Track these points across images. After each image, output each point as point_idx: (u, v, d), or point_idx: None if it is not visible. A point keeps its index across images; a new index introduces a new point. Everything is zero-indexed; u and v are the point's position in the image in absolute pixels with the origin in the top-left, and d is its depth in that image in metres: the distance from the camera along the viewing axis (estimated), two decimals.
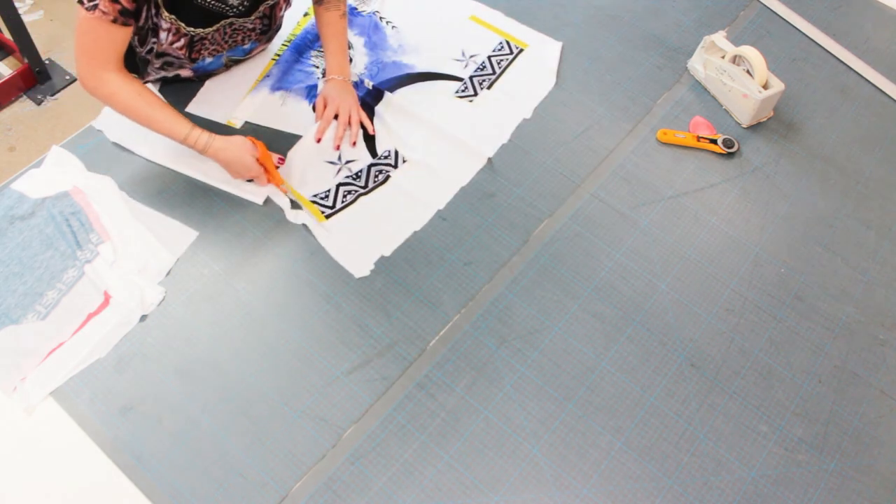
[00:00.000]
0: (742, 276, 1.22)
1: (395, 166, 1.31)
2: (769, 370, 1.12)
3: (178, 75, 1.34)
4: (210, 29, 1.22)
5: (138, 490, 0.97)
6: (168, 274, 1.15)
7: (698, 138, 1.38)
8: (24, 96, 2.49)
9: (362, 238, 1.21)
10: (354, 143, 1.33)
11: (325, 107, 1.33)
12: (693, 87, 1.48)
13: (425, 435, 1.03)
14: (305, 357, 1.09)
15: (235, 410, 1.04)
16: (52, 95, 2.50)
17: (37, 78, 2.48)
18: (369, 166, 1.30)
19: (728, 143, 1.37)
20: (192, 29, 1.19)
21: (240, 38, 1.30)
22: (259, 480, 0.98)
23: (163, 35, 1.19)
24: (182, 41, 1.22)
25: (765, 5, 1.65)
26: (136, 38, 1.20)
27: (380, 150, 1.33)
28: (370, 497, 0.98)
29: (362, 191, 1.27)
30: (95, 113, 1.34)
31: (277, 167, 1.26)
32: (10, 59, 2.55)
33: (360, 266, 1.18)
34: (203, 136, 1.19)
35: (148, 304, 1.11)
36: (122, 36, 1.12)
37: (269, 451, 1.01)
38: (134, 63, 1.27)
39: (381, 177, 1.29)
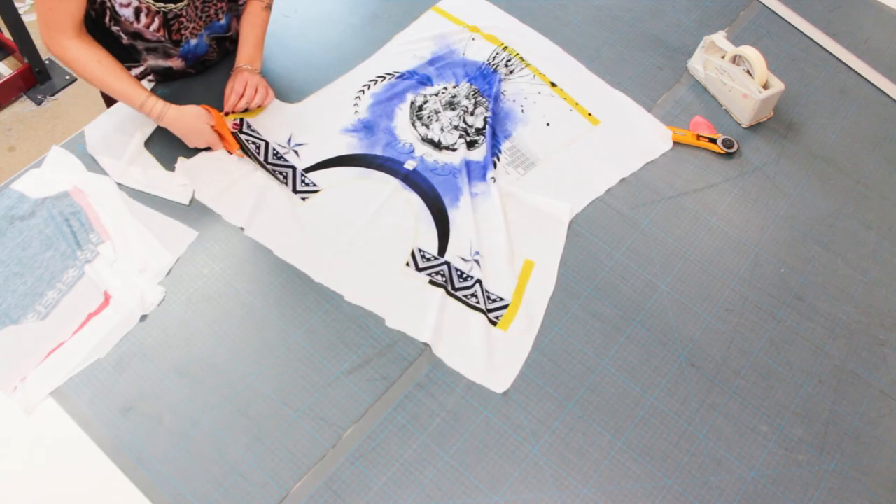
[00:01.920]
0: (742, 276, 1.22)
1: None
2: (769, 370, 1.12)
3: (171, 67, 1.34)
4: (182, 3, 1.22)
5: (138, 490, 0.97)
6: (168, 274, 1.15)
7: (698, 136, 1.38)
8: (24, 96, 2.49)
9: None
10: (248, 108, 1.31)
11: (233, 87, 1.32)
12: (693, 87, 1.48)
13: (425, 435, 1.03)
14: (305, 357, 1.09)
15: (235, 410, 1.04)
16: (52, 95, 2.50)
17: (37, 78, 2.48)
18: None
19: (728, 143, 1.37)
20: (161, 5, 1.20)
21: (212, 10, 1.29)
22: (259, 480, 0.98)
23: (125, 12, 1.19)
24: (156, 21, 1.22)
25: (765, 5, 1.65)
26: (113, 21, 1.21)
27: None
28: (370, 497, 0.98)
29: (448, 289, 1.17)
30: (96, 113, 1.34)
31: (234, 132, 1.28)
32: (10, 59, 2.55)
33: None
34: (158, 105, 1.22)
35: (148, 304, 1.11)
36: (75, 5, 1.14)
37: (269, 451, 1.01)
38: (122, 50, 1.28)
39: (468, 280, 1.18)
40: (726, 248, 1.25)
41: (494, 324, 1.13)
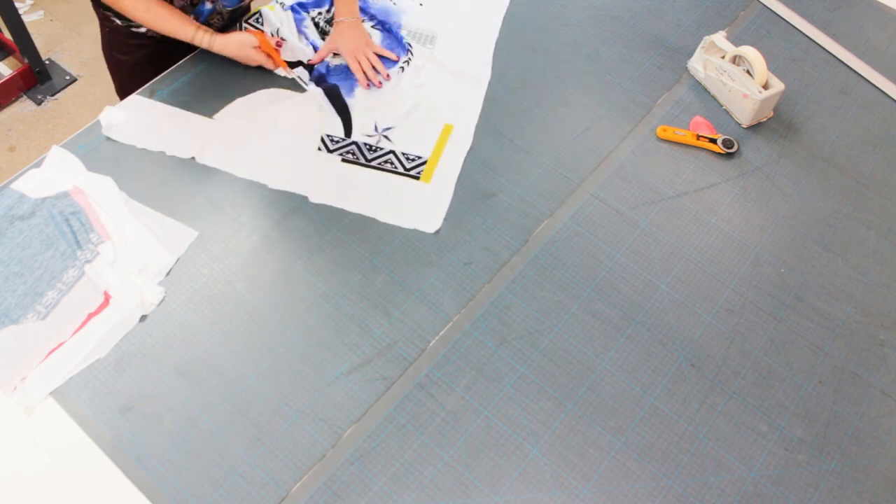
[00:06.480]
0: (742, 276, 1.22)
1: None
2: (769, 370, 1.12)
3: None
4: None
5: (138, 490, 0.97)
6: (168, 274, 1.15)
7: (698, 136, 1.38)
8: (24, 96, 2.49)
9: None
10: (380, 84, 1.43)
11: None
12: (693, 87, 1.48)
13: (425, 435, 1.03)
14: (305, 357, 1.09)
15: (235, 410, 1.04)
16: (52, 95, 2.50)
17: (37, 78, 2.49)
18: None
19: (728, 144, 1.37)
20: None
21: None
22: (259, 480, 0.98)
23: None
24: None
25: (765, 5, 1.65)
26: None
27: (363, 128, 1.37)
28: (370, 497, 0.98)
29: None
30: (95, 113, 1.34)
31: (278, 49, 1.42)
32: (10, 59, 2.55)
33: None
34: (206, 36, 1.35)
35: (148, 304, 1.11)
36: None
37: (269, 451, 1.01)
38: None
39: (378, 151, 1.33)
40: (726, 248, 1.25)
41: (417, 178, 1.28)
